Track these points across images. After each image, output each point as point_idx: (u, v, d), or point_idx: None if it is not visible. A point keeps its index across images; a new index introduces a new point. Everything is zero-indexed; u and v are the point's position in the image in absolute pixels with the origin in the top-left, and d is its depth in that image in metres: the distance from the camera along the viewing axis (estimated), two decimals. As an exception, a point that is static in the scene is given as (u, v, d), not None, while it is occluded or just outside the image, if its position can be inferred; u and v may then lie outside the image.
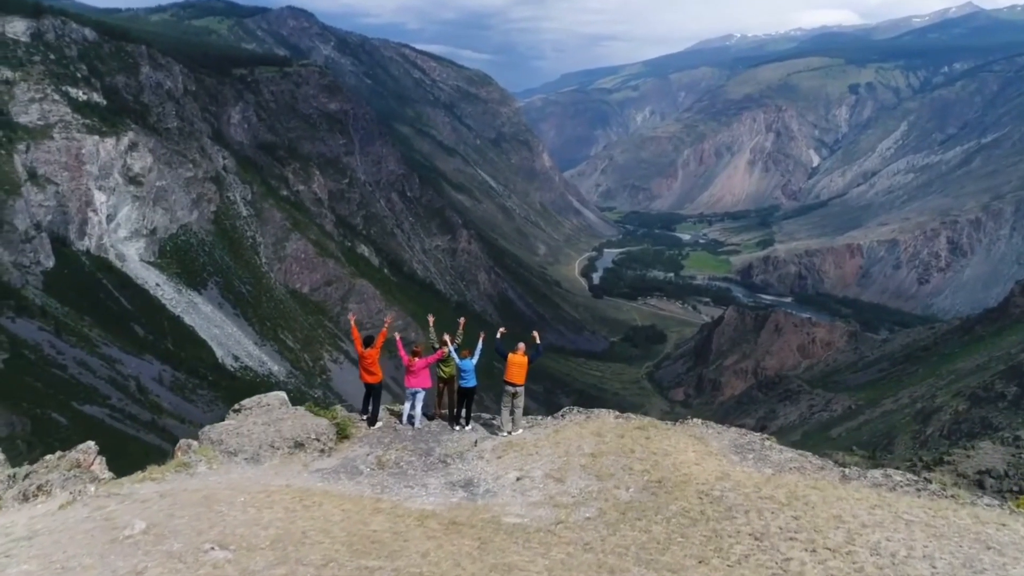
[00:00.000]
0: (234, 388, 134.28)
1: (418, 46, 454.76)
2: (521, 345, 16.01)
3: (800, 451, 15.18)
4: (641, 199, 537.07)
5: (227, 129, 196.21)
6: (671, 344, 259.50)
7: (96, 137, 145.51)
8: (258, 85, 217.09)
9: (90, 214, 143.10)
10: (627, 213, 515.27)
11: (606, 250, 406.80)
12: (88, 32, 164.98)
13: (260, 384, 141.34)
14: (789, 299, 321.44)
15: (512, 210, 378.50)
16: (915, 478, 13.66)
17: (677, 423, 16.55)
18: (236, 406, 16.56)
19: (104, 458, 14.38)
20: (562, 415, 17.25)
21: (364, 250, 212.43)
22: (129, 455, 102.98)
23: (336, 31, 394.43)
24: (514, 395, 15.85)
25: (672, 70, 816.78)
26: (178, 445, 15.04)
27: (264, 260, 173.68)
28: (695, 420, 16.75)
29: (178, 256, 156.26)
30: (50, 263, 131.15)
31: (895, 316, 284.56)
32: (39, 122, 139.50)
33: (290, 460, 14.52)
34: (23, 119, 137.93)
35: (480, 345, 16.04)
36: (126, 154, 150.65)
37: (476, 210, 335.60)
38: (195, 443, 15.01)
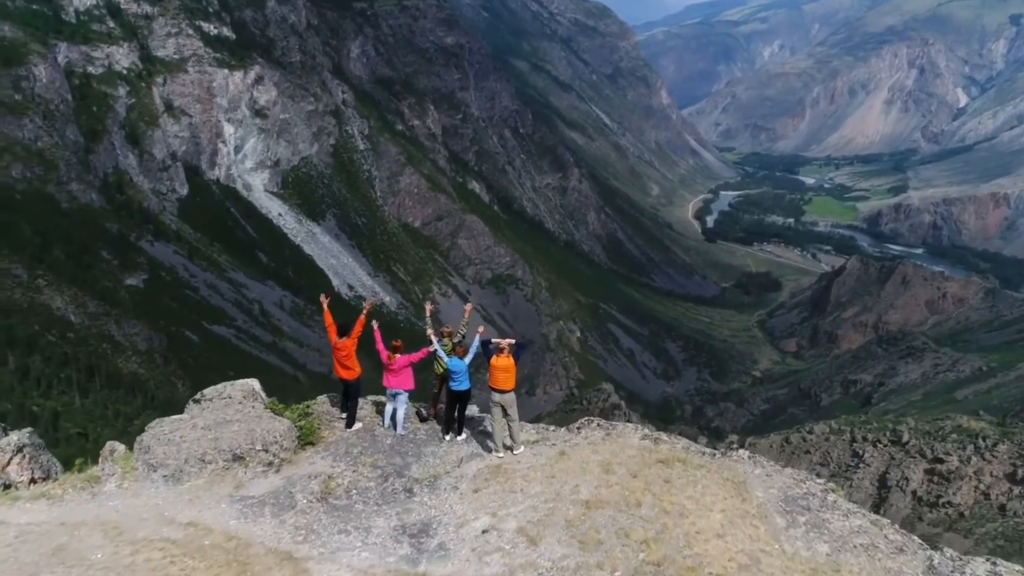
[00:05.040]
0: (349, 317, 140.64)
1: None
2: (505, 346, 12.99)
3: (875, 516, 11.44)
4: (763, 139, 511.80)
5: (346, 63, 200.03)
6: (786, 293, 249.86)
7: (225, 71, 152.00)
8: (377, 19, 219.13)
9: (220, 145, 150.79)
10: (747, 154, 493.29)
11: (722, 192, 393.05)
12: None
13: (372, 314, 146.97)
14: (920, 250, 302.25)
15: (626, 149, 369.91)
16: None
17: (717, 455, 13.01)
18: (197, 396, 14.13)
19: (27, 455, 12.50)
20: (578, 428, 14.13)
21: (475, 186, 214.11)
22: (253, 373, 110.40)
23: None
24: (503, 405, 13.03)
25: (806, 0, 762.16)
26: (103, 449, 13.00)
27: (379, 193, 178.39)
28: (741, 452, 13.29)
29: (299, 187, 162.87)
30: (184, 191, 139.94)
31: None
32: (175, 56, 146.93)
33: (220, 479, 11.90)
34: (160, 53, 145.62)
35: (476, 342, 13.33)
36: (253, 87, 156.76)
37: (589, 148, 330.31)
38: (121, 448, 12.81)
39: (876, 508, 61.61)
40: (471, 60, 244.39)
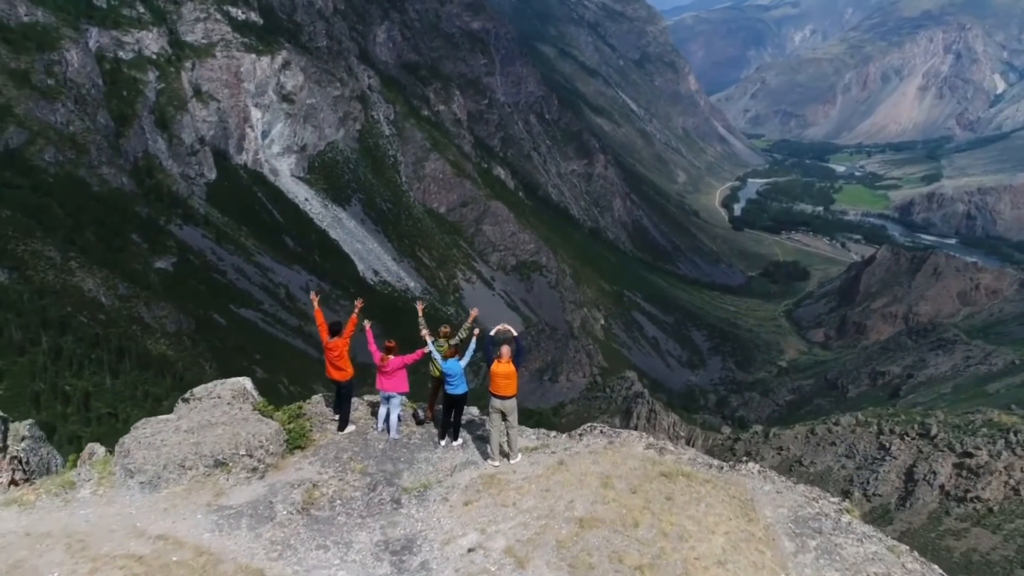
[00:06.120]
0: (373, 302, 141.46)
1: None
2: (504, 350, 12.22)
3: (892, 542, 10.56)
4: (793, 126, 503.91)
5: (373, 48, 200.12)
6: (814, 282, 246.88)
7: (253, 56, 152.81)
8: (403, 4, 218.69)
9: (247, 130, 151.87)
10: (776, 141, 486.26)
11: (750, 180, 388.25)
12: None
13: (398, 299, 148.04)
14: (953, 240, 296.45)
15: (652, 135, 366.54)
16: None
17: (724, 469, 12.15)
18: (187, 395, 13.44)
19: (9, 456, 11.67)
20: (580, 435, 13.29)
21: (500, 172, 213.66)
22: (279, 357, 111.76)
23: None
24: (503, 412, 12.31)
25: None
26: (83, 451, 12.61)
27: (404, 179, 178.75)
28: (751, 466, 12.30)
29: (325, 172, 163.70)
30: (212, 175, 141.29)
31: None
32: (203, 41, 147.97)
33: (200, 486, 11.19)
34: (189, 38, 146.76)
35: (473, 344, 12.75)
36: (280, 72, 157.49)
37: (615, 134, 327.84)
38: (101, 451, 12.26)
39: (902, 502, 60.86)
40: (497, 45, 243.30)
